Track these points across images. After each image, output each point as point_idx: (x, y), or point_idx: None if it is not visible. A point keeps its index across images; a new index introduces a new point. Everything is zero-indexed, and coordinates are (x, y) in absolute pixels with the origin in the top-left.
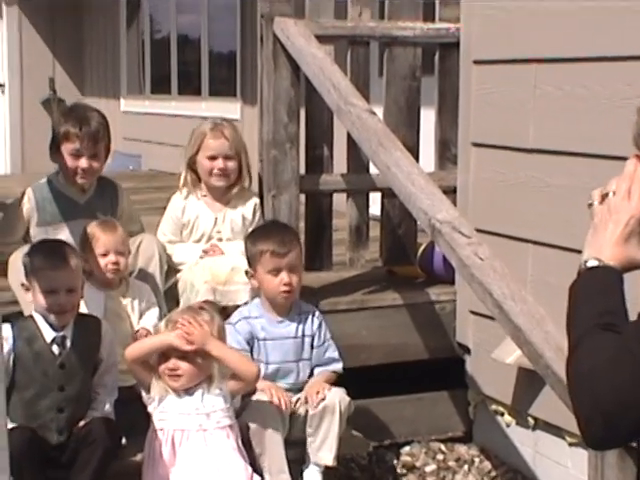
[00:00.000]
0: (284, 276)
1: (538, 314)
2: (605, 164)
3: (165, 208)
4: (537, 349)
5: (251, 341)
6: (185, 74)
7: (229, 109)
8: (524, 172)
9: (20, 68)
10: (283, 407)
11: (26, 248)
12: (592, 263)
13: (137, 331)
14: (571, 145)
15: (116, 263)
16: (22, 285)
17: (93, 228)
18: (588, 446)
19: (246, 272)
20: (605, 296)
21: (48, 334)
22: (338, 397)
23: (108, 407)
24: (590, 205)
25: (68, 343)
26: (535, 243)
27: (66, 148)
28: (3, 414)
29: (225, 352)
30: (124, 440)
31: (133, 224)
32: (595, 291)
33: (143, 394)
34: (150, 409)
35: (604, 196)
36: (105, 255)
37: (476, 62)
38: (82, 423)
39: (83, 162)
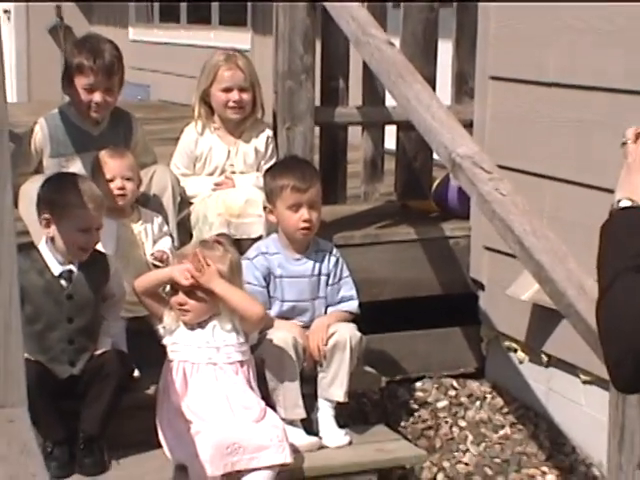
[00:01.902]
0: (304, 212)
1: (560, 251)
2: (626, 99)
3: (174, 139)
4: (559, 287)
5: (267, 277)
6: (195, 2)
7: (239, 39)
8: (542, 106)
9: None
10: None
11: (38, 178)
12: (625, 203)
13: (152, 253)
14: (591, 79)
15: (122, 188)
16: (43, 219)
17: (102, 155)
18: (616, 388)
19: (264, 207)
20: (638, 237)
21: (55, 267)
22: (349, 333)
23: (119, 334)
24: (624, 144)
25: (74, 276)
26: (552, 179)
27: (79, 82)
28: (20, 347)
29: (229, 291)
30: (137, 372)
31: (147, 155)
32: (628, 232)
33: (157, 326)
34: (164, 340)
35: (639, 135)
36: (112, 180)
37: None
38: (97, 352)
39: (97, 96)
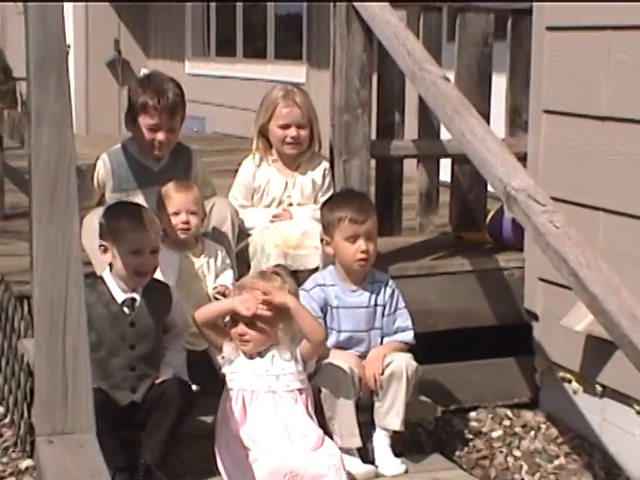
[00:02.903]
0: (361, 243)
1: (614, 282)
2: None
3: (230, 170)
4: (613, 317)
5: (324, 308)
6: (250, 36)
7: (295, 72)
8: (595, 140)
9: (85, 29)
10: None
11: (99, 210)
12: None
13: (215, 287)
14: None
15: (186, 222)
16: (100, 246)
17: (168, 188)
18: None
19: (321, 239)
20: None
21: (118, 295)
22: (405, 362)
23: (180, 364)
24: None
25: (137, 304)
26: (605, 211)
27: (143, 121)
28: (88, 373)
29: (299, 307)
30: (195, 387)
31: (206, 188)
32: None
33: (216, 356)
34: (223, 370)
35: None
36: (177, 214)
37: (549, 29)
38: (158, 381)
39: (160, 135)
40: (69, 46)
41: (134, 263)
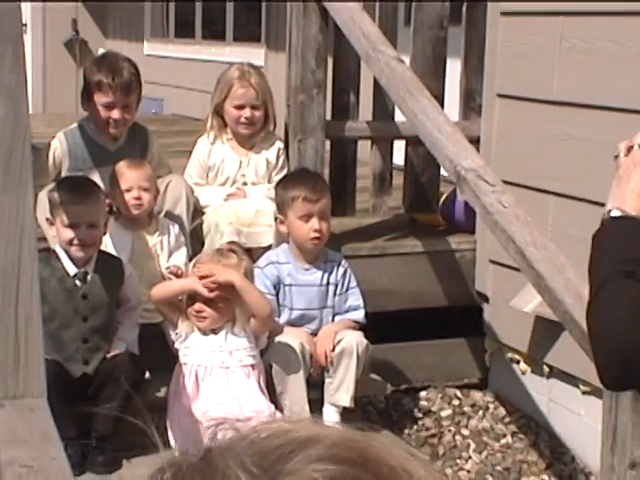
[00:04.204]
0: (315, 222)
1: (559, 261)
2: (628, 118)
3: (188, 152)
4: (557, 295)
5: (277, 286)
6: (209, 18)
7: (253, 55)
8: (547, 124)
9: (43, 8)
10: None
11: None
12: (615, 213)
13: (168, 267)
14: (595, 98)
15: (139, 198)
16: (47, 220)
17: (120, 166)
18: (605, 386)
19: (275, 218)
20: (627, 245)
21: (70, 269)
22: (355, 340)
23: (133, 339)
24: (616, 157)
25: (89, 277)
26: (556, 194)
27: (98, 99)
28: (40, 341)
29: (246, 284)
30: (148, 375)
31: (162, 168)
32: (617, 240)
33: (170, 332)
34: (177, 345)
35: (630, 148)
36: (129, 190)
37: (503, 14)
38: (110, 355)
39: (115, 113)
40: (25, 25)
41: (69, 236)
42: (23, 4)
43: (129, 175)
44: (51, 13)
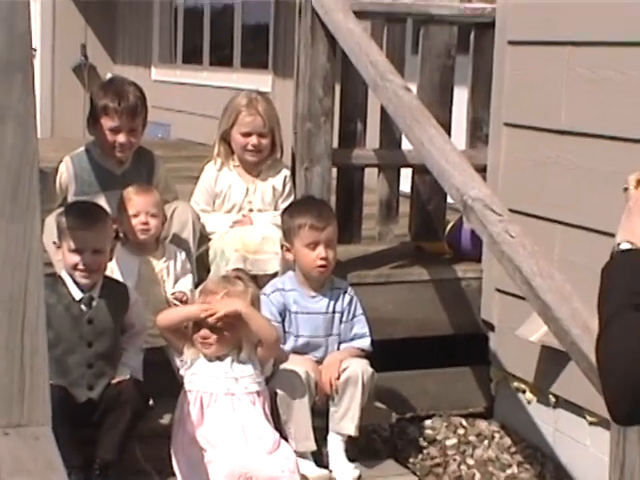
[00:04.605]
0: (321, 250)
1: (566, 291)
2: (635, 147)
3: (193, 177)
4: (564, 326)
5: (283, 313)
6: (217, 45)
7: (260, 81)
8: (554, 153)
9: (52, 33)
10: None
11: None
12: (625, 246)
13: (173, 293)
14: (602, 128)
15: (146, 223)
16: (54, 243)
17: (128, 191)
18: (614, 421)
19: (282, 246)
20: (637, 278)
21: (76, 293)
22: (361, 368)
23: (137, 366)
24: (625, 189)
25: (95, 303)
26: (563, 224)
27: (105, 123)
28: (45, 368)
29: (250, 312)
30: (152, 402)
31: (168, 193)
32: (627, 273)
33: (175, 358)
34: (182, 372)
35: (639, 181)
36: (136, 216)
37: (511, 43)
38: (115, 381)
39: (121, 137)
40: (35, 50)
41: (74, 261)
42: (33, 28)
43: (137, 200)
44: (60, 38)
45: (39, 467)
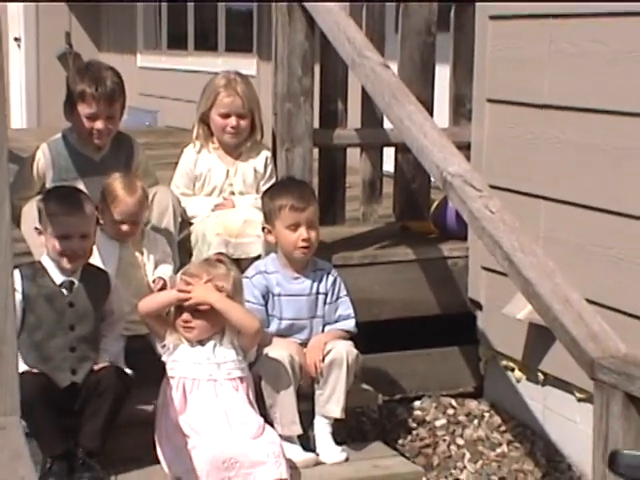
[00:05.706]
0: (303, 231)
1: (547, 267)
2: (618, 120)
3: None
4: (545, 301)
5: (266, 296)
6: (202, 29)
7: (245, 65)
8: (537, 128)
9: (36, 21)
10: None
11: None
12: None
13: (154, 280)
14: (585, 101)
15: (130, 230)
16: (35, 229)
17: (117, 186)
18: None
19: (263, 228)
20: None
21: (57, 278)
22: (345, 350)
23: (117, 352)
24: None
25: (75, 286)
26: (547, 199)
27: (82, 109)
28: (15, 358)
29: (226, 305)
30: (129, 370)
31: (148, 177)
32: None
33: (157, 344)
34: (164, 358)
35: None
36: (122, 222)
37: (492, 17)
38: (96, 368)
39: (99, 124)
40: (19, 39)
41: (62, 247)
42: (17, 18)
43: (123, 207)
44: (44, 26)
45: (4, 457)
